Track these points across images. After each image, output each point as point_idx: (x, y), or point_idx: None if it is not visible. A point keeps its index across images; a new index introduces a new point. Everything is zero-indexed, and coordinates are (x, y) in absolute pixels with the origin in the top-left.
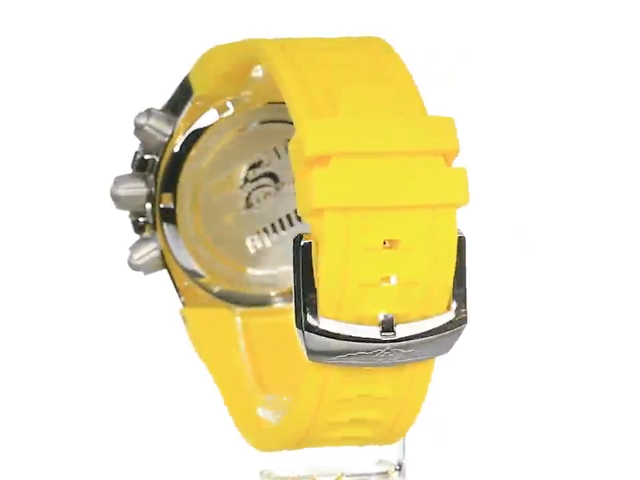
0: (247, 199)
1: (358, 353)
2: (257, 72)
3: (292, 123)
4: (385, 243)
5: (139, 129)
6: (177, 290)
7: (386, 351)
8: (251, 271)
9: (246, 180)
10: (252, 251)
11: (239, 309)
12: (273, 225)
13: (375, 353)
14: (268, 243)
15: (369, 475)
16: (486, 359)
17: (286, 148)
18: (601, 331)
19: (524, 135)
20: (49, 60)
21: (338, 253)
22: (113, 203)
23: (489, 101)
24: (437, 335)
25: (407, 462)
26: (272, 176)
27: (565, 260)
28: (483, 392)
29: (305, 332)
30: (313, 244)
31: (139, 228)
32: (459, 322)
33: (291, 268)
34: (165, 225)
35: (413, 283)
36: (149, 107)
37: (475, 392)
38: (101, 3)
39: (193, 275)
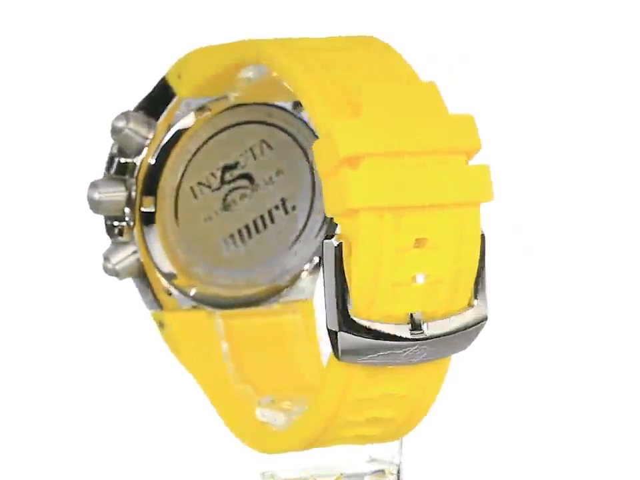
0: (224, 200)
1: (388, 351)
2: (247, 72)
3: (269, 124)
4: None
5: (117, 133)
6: (154, 294)
7: (414, 349)
8: (226, 272)
9: (223, 181)
10: (228, 252)
11: (218, 311)
12: (247, 227)
13: (404, 352)
14: (243, 245)
15: (366, 474)
16: (485, 358)
17: (261, 149)
18: (601, 332)
19: (523, 135)
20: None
21: (372, 253)
22: (90, 207)
23: (487, 101)
24: (462, 332)
25: (404, 461)
26: (248, 177)
27: (565, 260)
28: (481, 391)
29: (340, 332)
30: (344, 244)
31: (118, 232)
32: (481, 319)
33: (267, 268)
34: (145, 229)
35: (440, 280)
36: (125, 109)
37: (473, 391)
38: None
39: (170, 277)
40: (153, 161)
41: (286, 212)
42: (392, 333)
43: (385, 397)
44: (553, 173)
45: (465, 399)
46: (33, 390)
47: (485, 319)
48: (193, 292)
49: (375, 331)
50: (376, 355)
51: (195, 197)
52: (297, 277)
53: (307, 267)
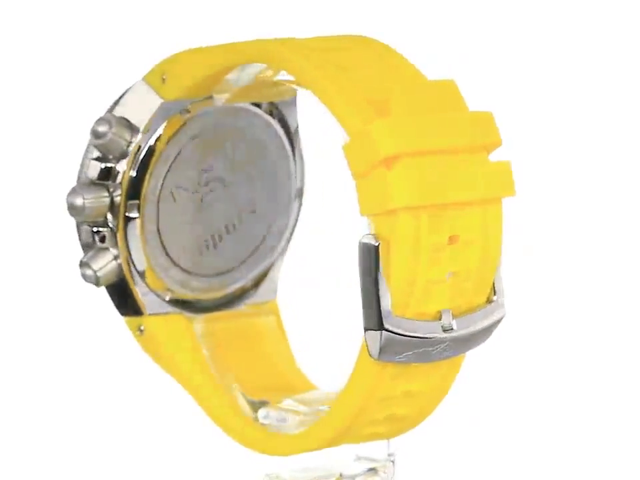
0: (200, 203)
1: (423, 349)
2: (235, 74)
3: (240, 126)
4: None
5: (100, 137)
6: (134, 299)
7: (445, 345)
8: (200, 276)
9: (199, 184)
10: (202, 255)
11: (195, 315)
12: (219, 230)
13: (436, 349)
14: (215, 248)
15: (360, 474)
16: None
17: (233, 151)
18: (600, 332)
19: (522, 135)
20: None
21: (411, 252)
22: (72, 214)
23: (486, 101)
24: (486, 328)
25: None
26: (221, 180)
27: (564, 260)
28: (476, 390)
29: (380, 331)
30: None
31: (100, 238)
32: (501, 315)
33: (235, 270)
34: (128, 234)
35: (467, 277)
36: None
37: (467, 389)
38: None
39: (144, 279)
40: (135, 169)
41: (252, 214)
42: (428, 330)
43: (404, 394)
44: (552, 173)
45: (459, 398)
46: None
47: (504, 314)
48: (168, 297)
49: (413, 329)
50: (411, 353)
51: (174, 200)
52: (260, 279)
53: (268, 268)
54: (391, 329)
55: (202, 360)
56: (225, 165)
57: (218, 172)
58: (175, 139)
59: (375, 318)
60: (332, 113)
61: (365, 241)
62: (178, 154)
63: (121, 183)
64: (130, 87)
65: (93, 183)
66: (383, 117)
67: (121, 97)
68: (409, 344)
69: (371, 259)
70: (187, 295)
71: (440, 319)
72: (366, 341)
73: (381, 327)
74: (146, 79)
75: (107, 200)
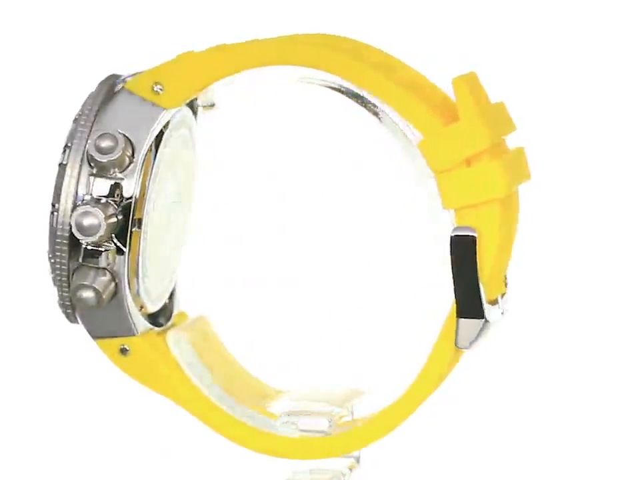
0: (166, 210)
1: (492, 334)
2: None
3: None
4: None
5: (107, 153)
6: (128, 319)
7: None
8: (157, 285)
9: (170, 196)
10: (161, 264)
11: (162, 329)
12: (172, 234)
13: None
14: (168, 253)
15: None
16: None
17: (180, 154)
18: (597, 333)
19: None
20: None
21: (501, 241)
22: (85, 234)
23: None
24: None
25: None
26: (174, 190)
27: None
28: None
29: (481, 321)
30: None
31: (103, 258)
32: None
33: (170, 279)
34: (131, 250)
35: (509, 261)
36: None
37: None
38: None
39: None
40: (139, 184)
41: (179, 220)
42: (498, 316)
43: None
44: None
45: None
46: None
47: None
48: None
49: (495, 316)
50: (485, 339)
51: (155, 209)
52: (174, 288)
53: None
54: (487, 317)
55: (183, 373)
56: (178, 168)
57: (174, 178)
58: (161, 151)
59: (476, 307)
60: (404, 114)
61: (462, 233)
62: (162, 166)
63: (128, 199)
64: (111, 98)
65: (98, 201)
66: (455, 117)
67: (100, 108)
68: (489, 330)
69: (470, 249)
70: (149, 307)
71: (496, 304)
72: (458, 330)
73: (482, 315)
74: (131, 89)
75: (114, 218)
